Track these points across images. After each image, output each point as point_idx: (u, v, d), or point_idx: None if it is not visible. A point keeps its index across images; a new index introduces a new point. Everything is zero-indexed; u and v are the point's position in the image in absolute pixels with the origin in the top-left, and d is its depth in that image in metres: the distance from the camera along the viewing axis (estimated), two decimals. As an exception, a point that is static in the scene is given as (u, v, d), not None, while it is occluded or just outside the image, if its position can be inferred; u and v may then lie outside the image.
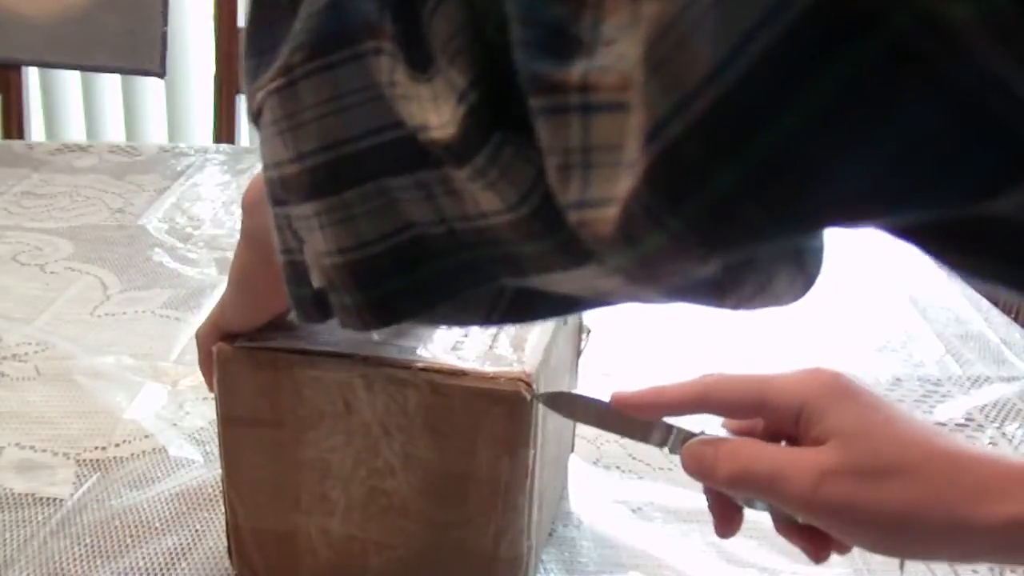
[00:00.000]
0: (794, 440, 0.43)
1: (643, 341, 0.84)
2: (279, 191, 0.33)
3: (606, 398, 0.46)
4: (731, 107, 0.20)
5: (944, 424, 0.73)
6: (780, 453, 0.42)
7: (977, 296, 0.95)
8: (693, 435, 0.44)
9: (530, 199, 0.27)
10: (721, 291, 0.28)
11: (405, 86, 0.28)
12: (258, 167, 1.15)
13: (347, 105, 0.30)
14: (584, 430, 0.70)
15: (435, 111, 0.27)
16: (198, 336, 0.52)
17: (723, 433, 0.45)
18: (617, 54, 0.22)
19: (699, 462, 0.43)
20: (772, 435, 0.44)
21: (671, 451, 0.45)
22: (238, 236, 0.50)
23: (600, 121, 0.23)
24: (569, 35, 0.23)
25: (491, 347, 0.49)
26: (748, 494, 0.43)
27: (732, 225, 0.22)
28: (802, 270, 0.30)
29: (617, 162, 0.23)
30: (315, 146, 0.31)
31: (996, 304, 0.95)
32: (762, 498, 0.42)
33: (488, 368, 0.47)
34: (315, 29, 0.30)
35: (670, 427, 0.45)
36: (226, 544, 0.55)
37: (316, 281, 0.33)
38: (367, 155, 0.30)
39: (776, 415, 0.43)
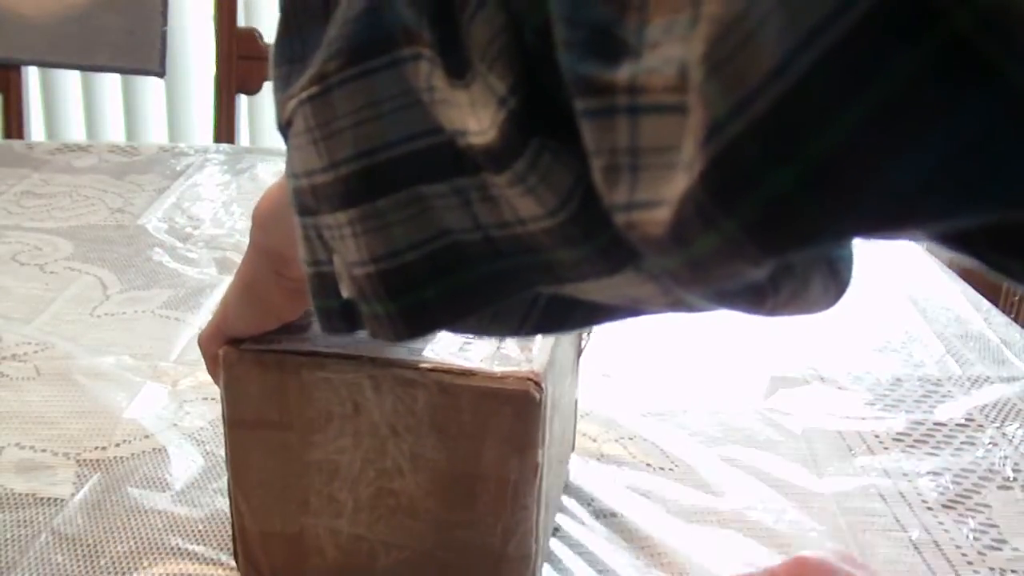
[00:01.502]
0: None
1: (643, 341, 0.84)
2: (310, 200, 0.32)
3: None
4: (793, 106, 0.20)
5: (944, 424, 0.73)
6: None
7: (977, 296, 0.95)
8: None
9: (569, 205, 0.27)
10: (761, 296, 0.27)
11: (443, 91, 0.28)
12: (258, 167, 1.15)
13: (384, 112, 0.29)
14: (585, 426, 0.71)
15: (474, 116, 0.27)
16: (200, 341, 0.52)
17: None
18: (664, 57, 0.22)
19: None
20: None
21: None
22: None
23: (649, 123, 0.23)
24: (615, 37, 0.23)
25: (498, 347, 0.49)
26: None
27: (788, 227, 0.22)
28: (835, 277, 0.30)
29: (667, 164, 0.23)
30: (350, 153, 0.30)
31: (996, 304, 0.95)
32: None
33: (496, 368, 0.47)
34: (351, 36, 0.29)
35: None
36: (230, 546, 0.55)
37: (346, 291, 0.33)
38: (403, 162, 0.29)
39: None
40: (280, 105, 0.33)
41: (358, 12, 0.29)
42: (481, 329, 0.33)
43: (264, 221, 0.46)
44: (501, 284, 0.31)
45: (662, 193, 0.23)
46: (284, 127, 0.33)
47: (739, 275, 0.24)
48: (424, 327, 0.32)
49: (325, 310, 0.35)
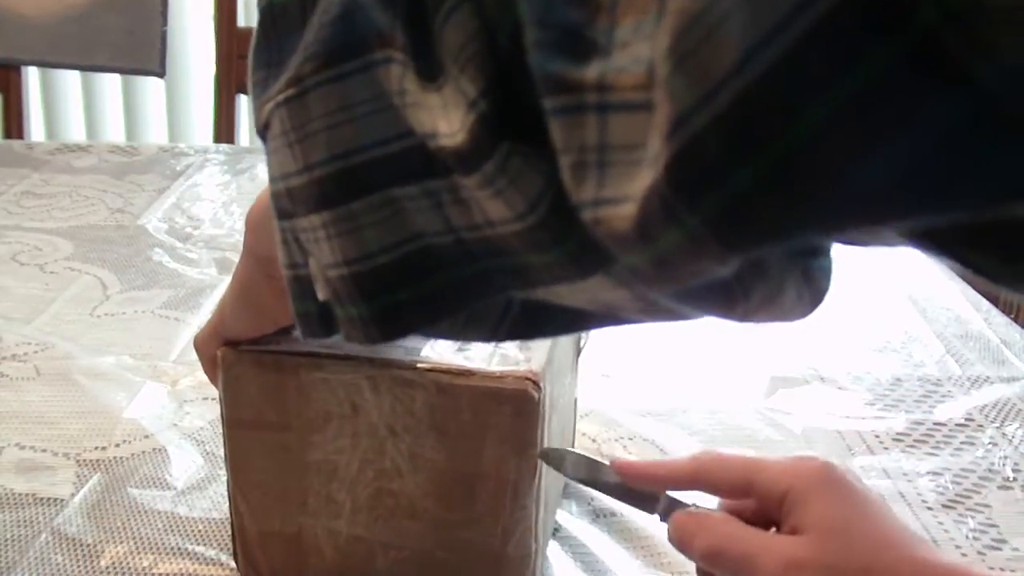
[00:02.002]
0: (779, 526, 0.44)
1: (643, 341, 0.84)
2: (286, 203, 0.33)
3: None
4: (754, 101, 0.20)
5: (944, 424, 0.73)
6: (756, 537, 0.42)
7: (977, 296, 0.95)
8: (684, 505, 0.46)
9: (538, 208, 0.27)
10: (732, 299, 0.28)
11: (415, 94, 0.28)
12: (258, 167, 1.15)
13: (357, 115, 0.30)
14: (585, 426, 0.71)
15: (445, 119, 0.27)
16: (197, 343, 0.52)
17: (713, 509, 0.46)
18: (633, 56, 0.22)
19: (680, 532, 0.44)
20: (762, 519, 0.44)
21: (661, 519, 0.47)
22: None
23: (617, 120, 0.23)
24: (585, 37, 0.23)
25: (496, 347, 0.49)
26: (720, 571, 0.43)
27: (750, 225, 0.21)
28: (810, 286, 0.30)
29: (634, 161, 0.23)
30: (324, 156, 0.30)
31: (996, 304, 0.95)
32: (727, 570, 0.43)
33: (495, 368, 0.47)
34: (326, 40, 0.30)
35: (662, 496, 0.47)
36: (230, 545, 0.55)
37: (321, 294, 0.33)
38: (376, 165, 0.30)
39: (763, 499, 0.44)
40: (258, 109, 0.33)
41: (333, 17, 0.30)
42: (455, 333, 0.33)
43: (256, 226, 0.46)
44: (474, 287, 0.31)
45: (628, 189, 0.23)
46: (262, 131, 0.33)
47: (705, 273, 0.24)
48: (397, 330, 0.32)
49: (303, 314, 0.35)
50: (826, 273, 0.30)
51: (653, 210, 0.22)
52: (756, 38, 0.19)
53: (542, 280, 0.29)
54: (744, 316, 0.29)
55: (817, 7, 0.18)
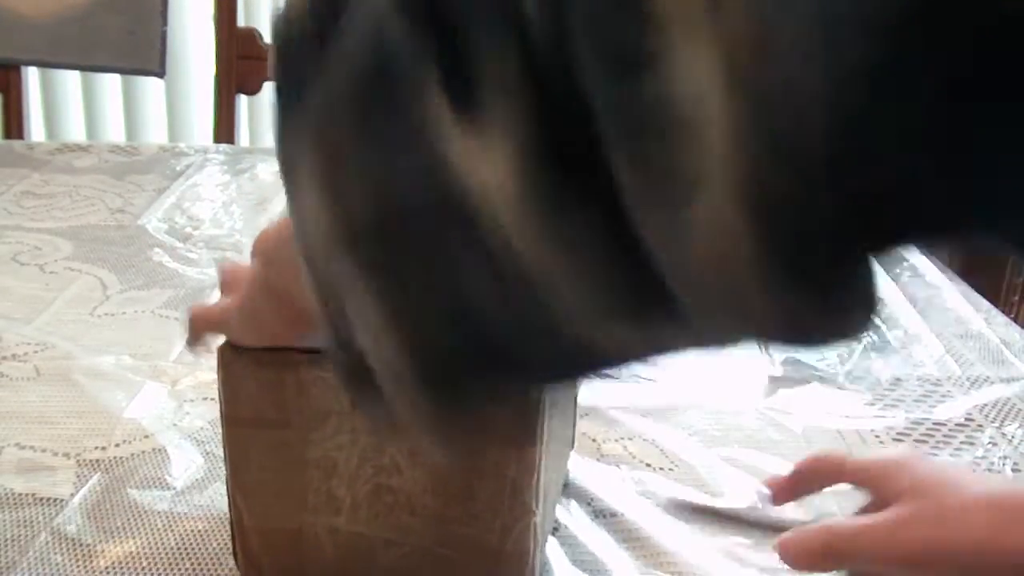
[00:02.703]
0: None
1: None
2: (316, 247, 0.31)
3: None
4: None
5: (944, 424, 0.73)
6: (861, 518, 0.49)
7: (977, 296, 0.95)
8: None
9: (593, 253, 0.25)
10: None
11: (453, 133, 0.26)
12: (258, 167, 1.14)
13: (393, 160, 0.27)
14: (585, 426, 0.70)
15: (489, 163, 0.25)
16: (192, 318, 0.51)
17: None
18: (692, 76, 0.22)
19: (794, 539, 0.49)
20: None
21: None
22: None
23: (678, 140, 0.22)
24: (642, 49, 0.23)
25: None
26: (839, 557, 0.48)
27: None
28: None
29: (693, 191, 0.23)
30: (359, 202, 0.28)
31: (996, 304, 0.95)
32: (849, 559, 0.48)
33: None
34: (351, 72, 0.28)
35: None
36: (230, 545, 0.55)
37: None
38: (415, 213, 0.27)
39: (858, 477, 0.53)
40: (280, 143, 0.31)
41: (358, 44, 0.28)
42: None
43: (269, 258, 0.45)
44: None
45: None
46: (286, 169, 0.31)
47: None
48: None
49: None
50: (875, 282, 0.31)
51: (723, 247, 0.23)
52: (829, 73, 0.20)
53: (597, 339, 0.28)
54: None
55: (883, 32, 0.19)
